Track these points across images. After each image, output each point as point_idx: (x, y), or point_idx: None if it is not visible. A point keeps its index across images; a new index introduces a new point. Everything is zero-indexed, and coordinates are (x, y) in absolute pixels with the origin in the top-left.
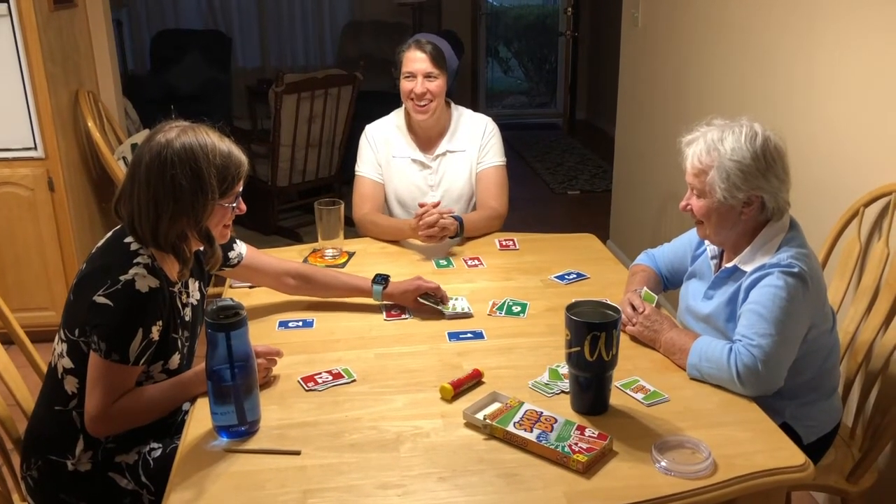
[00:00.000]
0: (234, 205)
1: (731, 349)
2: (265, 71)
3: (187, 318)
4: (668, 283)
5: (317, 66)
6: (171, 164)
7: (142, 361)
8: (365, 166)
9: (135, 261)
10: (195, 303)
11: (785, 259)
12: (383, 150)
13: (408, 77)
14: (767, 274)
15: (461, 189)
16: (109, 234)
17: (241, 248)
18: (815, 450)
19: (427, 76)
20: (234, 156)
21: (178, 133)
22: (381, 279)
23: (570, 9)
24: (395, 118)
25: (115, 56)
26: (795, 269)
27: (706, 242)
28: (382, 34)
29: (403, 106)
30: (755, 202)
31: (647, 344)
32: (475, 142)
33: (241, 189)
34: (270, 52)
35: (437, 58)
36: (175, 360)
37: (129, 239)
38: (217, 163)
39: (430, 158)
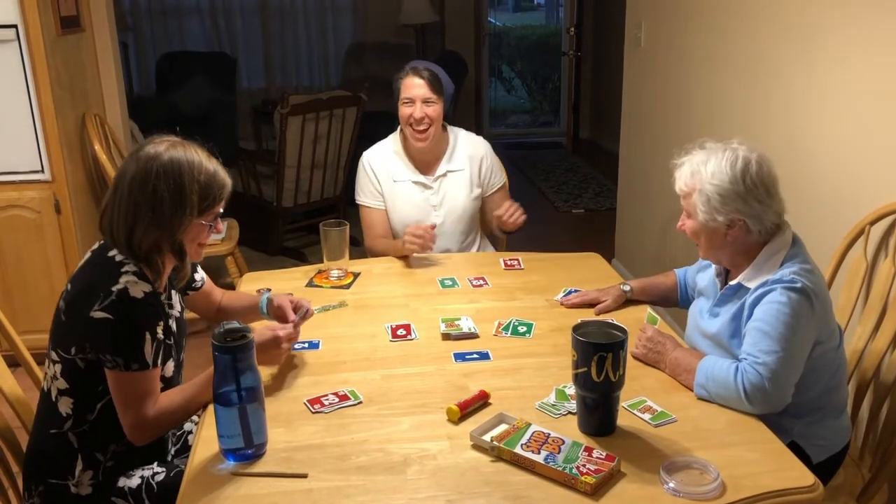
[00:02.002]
0: (212, 224)
1: (737, 368)
2: (270, 92)
3: (173, 328)
4: (687, 302)
5: (321, 88)
6: (156, 176)
7: (159, 361)
8: (364, 196)
9: (122, 270)
10: (178, 314)
11: (788, 275)
12: (384, 176)
13: (406, 102)
14: (770, 290)
15: (463, 207)
16: (88, 254)
17: (202, 273)
18: (824, 470)
19: (425, 101)
20: (219, 176)
21: (168, 147)
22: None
23: (572, 29)
24: (392, 143)
25: (121, 79)
26: (798, 285)
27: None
28: (386, 55)
29: (399, 130)
30: (737, 224)
31: (652, 365)
32: (475, 162)
33: (221, 210)
34: (275, 74)
35: (435, 83)
36: (170, 366)
37: (112, 252)
38: (201, 180)
39: (431, 179)
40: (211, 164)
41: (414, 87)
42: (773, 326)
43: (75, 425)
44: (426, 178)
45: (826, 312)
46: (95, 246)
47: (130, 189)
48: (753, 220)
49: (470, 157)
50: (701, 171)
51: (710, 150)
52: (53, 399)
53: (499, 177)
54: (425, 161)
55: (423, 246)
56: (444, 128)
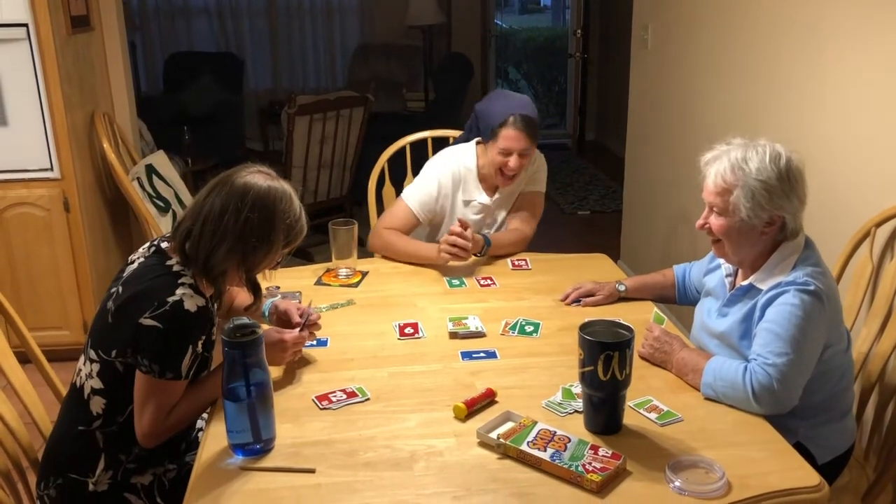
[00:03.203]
0: (279, 262)
1: (746, 368)
2: (277, 93)
3: (213, 337)
4: (685, 299)
5: (328, 88)
6: (251, 207)
7: (191, 373)
8: (416, 201)
9: (179, 281)
10: (217, 323)
11: (801, 277)
12: (451, 194)
13: (503, 153)
14: (783, 292)
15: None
16: (140, 257)
17: None
18: (829, 470)
19: (522, 154)
20: (302, 220)
21: (265, 179)
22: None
23: (579, 31)
24: (471, 159)
25: (129, 78)
26: (811, 287)
27: (721, 260)
28: (393, 56)
29: (476, 143)
30: (777, 222)
31: (659, 365)
32: (528, 177)
33: (289, 252)
34: (282, 75)
35: (534, 134)
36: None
37: (171, 261)
38: (288, 221)
39: (493, 200)
40: (297, 206)
41: (515, 140)
42: (785, 328)
43: (104, 425)
44: (490, 200)
45: (837, 315)
46: (147, 250)
47: (223, 212)
48: (791, 217)
49: (527, 175)
50: (743, 167)
51: (743, 146)
52: (85, 397)
53: (537, 183)
54: (492, 183)
55: (458, 255)
56: None
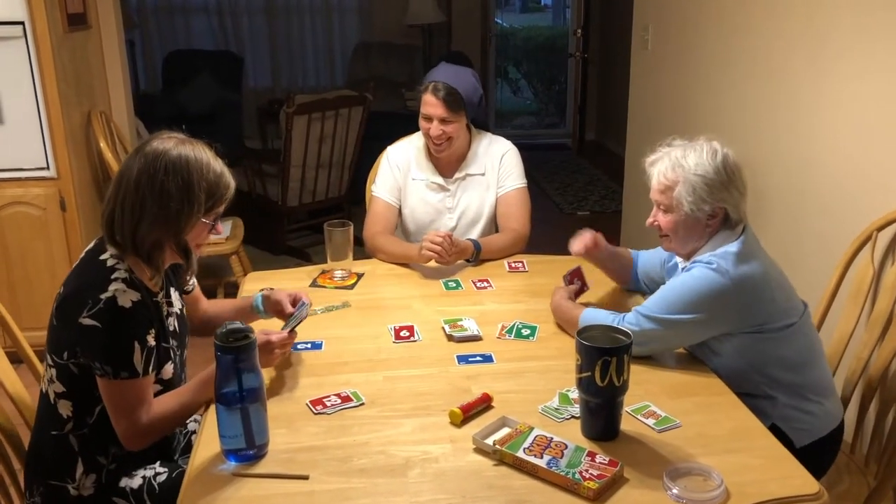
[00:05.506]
0: (213, 225)
1: (622, 316)
2: (276, 92)
3: (172, 328)
4: (636, 284)
5: (327, 87)
6: (164, 171)
7: (151, 369)
8: (381, 188)
9: (112, 276)
10: (178, 312)
11: (708, 257)
12: (403, 172)
13: (425, 118)
14: (692, 267)
15: (476, 212)
16: (83, 254)
17: (194, 279)
18: (808, 455)
19: (442, 121)
20: (225, 176)
21: (176, 143)
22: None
23: (579, 30)
24: (417, 140)
25: (127, 77)
26: (714, 265)
27: (676, 257)
28: (392, 55)
29: None
30: (719, 213)
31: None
32: (494, 166)
33: (222, 211)
34: (281, 73)
35: (452, 104)
36: (168, 369)
37: (104, 255)
38: (209, 178)
39: (449, 182)
40: (217, 164)
41: (430, 106)
42: (674, 294)
43: (76, 428)
44: (444, 180)
45: (759, 297)
46: (91, 245)
47: (137, 184)
48: (733, 208)
49: (491, 161)
50: (683, 164)
51: (683, 146)
52: (52, 401)
53: (514, 178)
54: (447, 163)
55: (440, 254)
56: (469, 129)
